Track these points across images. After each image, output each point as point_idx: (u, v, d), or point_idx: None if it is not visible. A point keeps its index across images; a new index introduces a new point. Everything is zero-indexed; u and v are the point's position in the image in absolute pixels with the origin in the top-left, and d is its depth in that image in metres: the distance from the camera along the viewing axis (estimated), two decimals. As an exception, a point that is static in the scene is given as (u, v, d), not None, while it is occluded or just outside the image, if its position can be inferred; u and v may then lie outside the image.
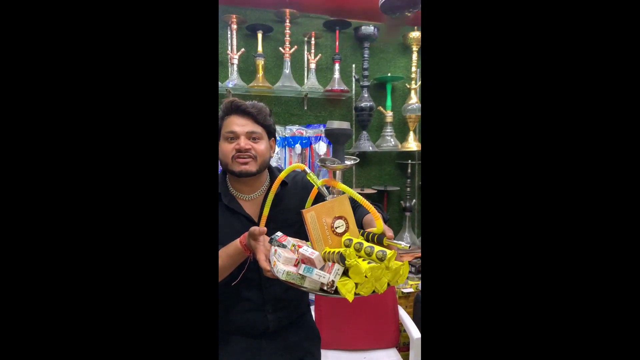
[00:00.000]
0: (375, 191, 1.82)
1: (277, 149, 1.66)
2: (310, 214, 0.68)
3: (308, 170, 0.73)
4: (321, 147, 1.78)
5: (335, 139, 0.74)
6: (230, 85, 1.59)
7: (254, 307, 0.89)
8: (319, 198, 0.78)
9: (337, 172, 0.73)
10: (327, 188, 0.74)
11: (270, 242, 0.74)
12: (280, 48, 1.67)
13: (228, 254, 0.80)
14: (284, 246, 0.72)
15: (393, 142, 1.82)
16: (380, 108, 1.82)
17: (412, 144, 1.83)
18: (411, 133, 1.85)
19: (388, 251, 0.60)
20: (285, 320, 0.91)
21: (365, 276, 0.58)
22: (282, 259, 0.67)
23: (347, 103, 1.84)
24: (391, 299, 1.52)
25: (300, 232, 0.82)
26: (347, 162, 0.75)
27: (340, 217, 0.71)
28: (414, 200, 1.92)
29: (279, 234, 0.75)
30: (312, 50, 1.72)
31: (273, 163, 1.65)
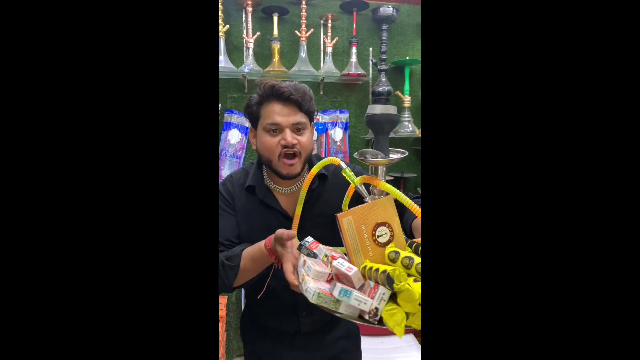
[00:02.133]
0: (392, 178, 1.80)
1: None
2: (347, 219, 0.56)
3: (344, 166, 0.63)
4: (337, 134, 1.76)
5: (379, 128, 0.60)
6: (246, 70, 1.58)
7: (286, 311, 0.82)
8: (359, 199, 0.68)
9: (380, 167, 0.61)
10: (367, 187, 0.63)
11: (300, 248, 0.62)
12: (296, 31, 1.64)
13: (252, 256, 0.71)
14: (315, 255, 0.61)
15: (410, 128, 1.78)
16: (398, 93, 1.78)
17: (430, 130, 1.79)
18: (429, 118, 1.81)
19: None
20: (319, 323, 0.85)
21: (420, 304, 0.45)
22: (312, 272, 0.56)
23: (364, 87, 1.80)
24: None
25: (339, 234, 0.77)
26: (393, 156, 0.62)
27: (383, 224, 0.58)
28: (431, 187, 1.89)
29: (309, 239, 0.63)
30: (329, 33, 1.68)
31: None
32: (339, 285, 0.50)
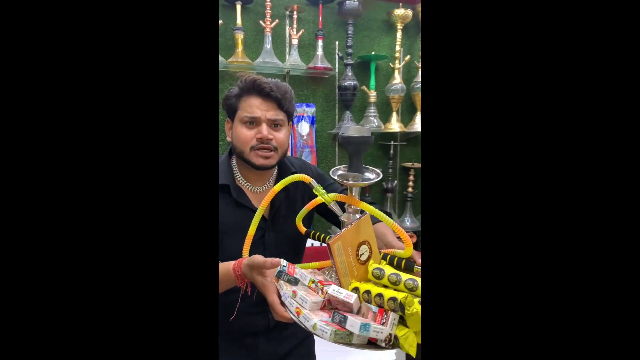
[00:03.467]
0: (358, 172, 1.81)
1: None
2: (337, 245, 0.55)
3: (315, 184, 0.60)
4: (304, 128, 1.74)
5: (354, 150, 0.60)
6: (207, 60, 1.51)
7: (255, 310, 0.81)
8: (325, 213, 0.69)
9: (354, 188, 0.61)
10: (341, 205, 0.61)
11: (279, 275, 0.59)
12: (261, 21, 1.60)
13: (219, 276, 0.65)
14: (296, 281, 0.59)
15: (376, 123, 1.80)
16: (364, 88, 1.78)
17: (395, 125, 1.81)
18: (394, 114, 1.84)
19: (419, 279, 0.51)
20: None
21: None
22: (309, 305, 0.53)
23: (330, 82, 1.79)
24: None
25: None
26: (370, 175, 0.62)
27: (364, 243, 0.59)
28: (395, 182, 1.92)
29: (284, 262, 0.60)
30: (295, 25, 1.65)
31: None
32: (355, 321, 0.47)
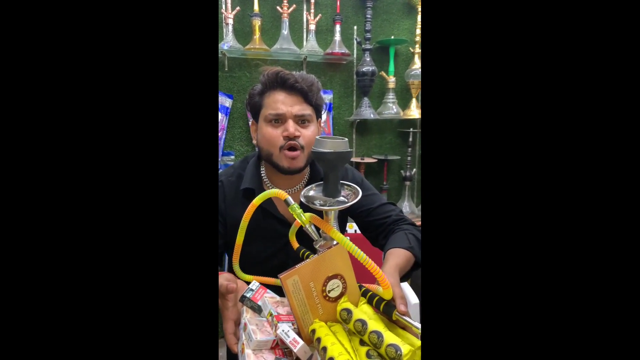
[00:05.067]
0: (376, 160, 1.79)
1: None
2: (292, 280, 0.47)
3: (291, 202, 0.51)
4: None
5: (329, 166, 0.50)
6: (225, 47, 1.51)
7: None
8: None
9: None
10: (318, 229, 0.52)
11: (242, 300, 0.54)
12: (278, 7, 1.57)
13: None
14: (259, 310, 0.53)
15: (395, 110, 1.76)
16: (383, 73, 1.74)
17: (415, 112, 1.77)
18: (414, 100, 1.79)
19: (403, 347, 0.40)
20: None
21: None
22: (253, 344, 0.47)
23: (348, 67, 1.76)
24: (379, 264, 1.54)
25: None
26: (345, 198, 0.51)
27: (334, 276, 0.50)
28: (414, 170, 1.89)
29: (254, 286, 0.55)
30: (312, 10, 1.62)
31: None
32: None
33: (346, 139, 0.49)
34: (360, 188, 0.72)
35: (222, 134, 1.62)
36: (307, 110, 0.72)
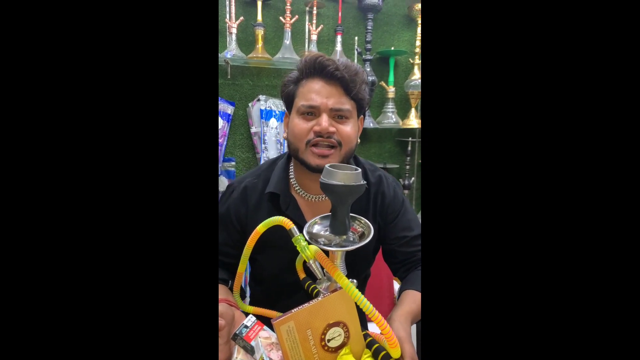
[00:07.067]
0: (375, 168, 1.81)
1: (276, 123, 1.62)
2: (287, 327, 0.42)
3: (295, 233, 0.47)
4: (321, 123, 1.75)
5: (338, 199, 0.44)
6: (228, 56, 1.54)
7: None
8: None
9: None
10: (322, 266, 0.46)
11: (234, 338, 0.50)
12: (281, 17, 1.61)
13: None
14: (252, 350, 0.49)
15: (394, 119, 1.79)
16: (382, 83, 1.77)
17: (414, 121, 1.80)
18: (413, 110, 1.82)
19: None
20: None
21: None
22: None
23: (348, 77, 1.79)
24: (386, 274, 1.55)
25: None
26: (353, 239, 0.45)
27: (336, 324, 0.45)
28: (413, 178, 1.91)
29: (249, 322, 0.51)
30: (314, 21, 1.66)
31: (272, 138, 1.62)
32: None
33: (359, 170, 0.43)
34: (402, 210, 0.63)
35: (223, 141, 1.64)
36: (345, 105, 0.62)
